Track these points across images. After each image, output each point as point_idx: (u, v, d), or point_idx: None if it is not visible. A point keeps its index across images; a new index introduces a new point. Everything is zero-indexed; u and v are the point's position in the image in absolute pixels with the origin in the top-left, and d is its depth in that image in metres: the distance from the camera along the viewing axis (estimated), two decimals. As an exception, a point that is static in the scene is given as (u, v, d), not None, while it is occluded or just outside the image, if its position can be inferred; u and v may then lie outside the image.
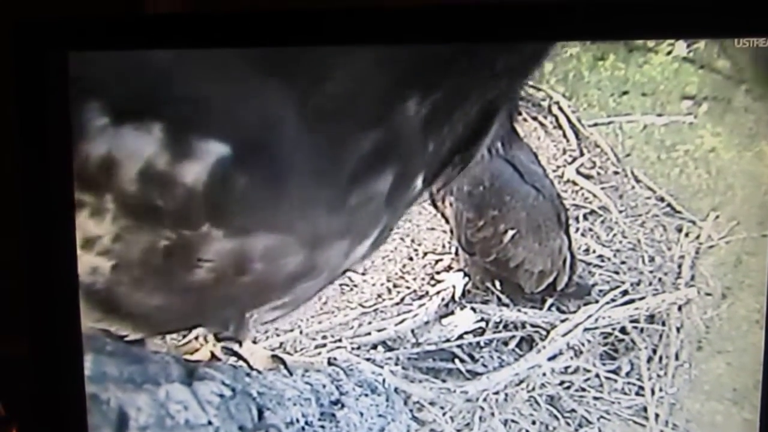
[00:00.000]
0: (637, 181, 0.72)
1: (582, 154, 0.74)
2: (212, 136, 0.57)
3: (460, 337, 0.74)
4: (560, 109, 0.73)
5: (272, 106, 0.57)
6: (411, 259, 0.76)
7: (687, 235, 0.71)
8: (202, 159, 0.57)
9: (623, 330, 0.72)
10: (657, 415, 0.71)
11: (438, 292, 0.75)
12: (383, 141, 0.60)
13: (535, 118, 0.74)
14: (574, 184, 0.75)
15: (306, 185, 0.60)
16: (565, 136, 0.74)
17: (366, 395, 0.73)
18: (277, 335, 0.75)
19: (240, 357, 0.72)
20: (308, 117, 0.58)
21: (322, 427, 0.71)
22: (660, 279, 0.72)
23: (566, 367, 0.73)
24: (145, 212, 0.59)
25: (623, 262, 0.73)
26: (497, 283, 0.76)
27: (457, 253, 0.76)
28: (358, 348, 0.74)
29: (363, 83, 0.58)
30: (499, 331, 0.74)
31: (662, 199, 0.72)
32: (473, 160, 0.68)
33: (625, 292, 0.73)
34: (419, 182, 0.65)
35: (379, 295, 0.76)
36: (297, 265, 0.63)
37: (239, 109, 0.58)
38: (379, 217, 0.66)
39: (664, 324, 0.71)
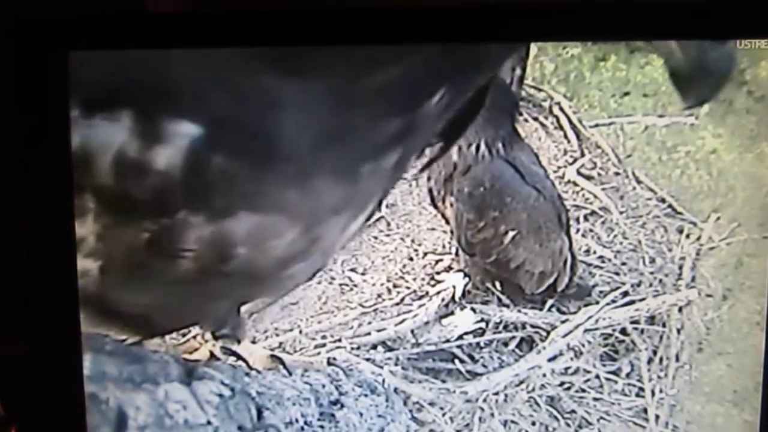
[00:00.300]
0: (638, 182, 0.72)
1: (583, 155, 0.74)
2: (188, 118, 0.57)
3: (460, 337, 0.74)
4: (561, 109, 0.73)
5: (266, 88, 0.57)
6: (411, 259, 0.76)
7: (688, 236, 0.71)
8: (177, 142, 0.57)
9: (623, 331, 0.72)
10: (657, 417, 0.71)
11: (438, 293, 0.75)
12: (402, 126, 0.60)
13: (536, 119, 0.74)
14: (575, 184, 0.75)
15: (305, 164, 0.60)
16: (566, 136, 0.74)
17: (365, 395, 0.73)
18: (277, 335, 0.75)
19: (239, 357, 0.72)
20: (321, 101, 0.58)
21: (322, 427, 0.71)
22: (661, 280, 0.72)
23: (566, 368, 0.73)
24: (124, 205, 0.59)
25: (624, 263, 0.73)
26: (497, 284, 0.76)
27: (457, 254, 0.76)
28: (358, 348, 0.74)
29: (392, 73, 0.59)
30: (499, 332, 0.74)
31: (663, 201, 0.72)
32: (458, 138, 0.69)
33: (625, 293, 0.73)
34: (413, 159, 0.67)
35: (379, 295, 0.76)
36: (288, 246, 0.63)
37: (226, 91, 0.58)
38: (376, 192, 0.66)
39: (664, 325, 0.72)
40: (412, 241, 0.76)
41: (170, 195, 0.58)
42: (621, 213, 0.73)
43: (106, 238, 0.61)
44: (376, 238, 0.77)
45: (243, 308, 0.72)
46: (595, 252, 0.74)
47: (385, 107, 0.59)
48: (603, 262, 0.74)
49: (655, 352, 0.72)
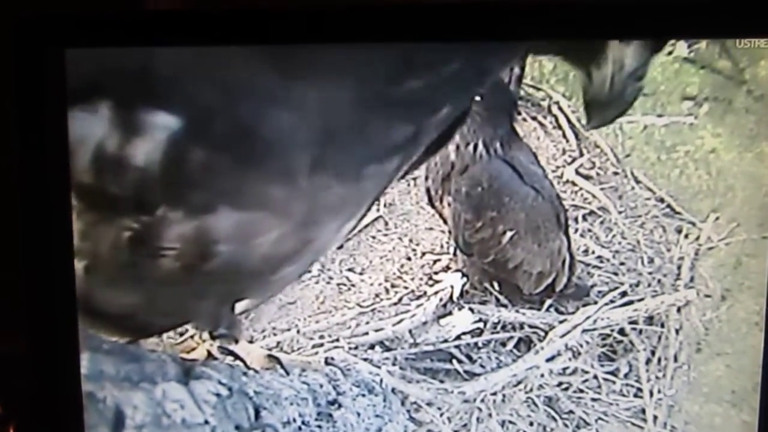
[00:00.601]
0: (637, 181, 0.72)
1: (582, 155, 0.74)
2: (173, 113, 0.56)
3: (458, 337, 0.74)
4: (560, 109, 0.73)
5: (275, 92, 0.57)
6: (409, 259, 0.76)
7: (687, 236, 0.70)
8: (157, 135, 0.57)
9: (622, 331, 0.72)
10: (655, 417, 0.71)
11: (436, 293, 0.75)
12: (411, 132, 0.61)
13: (534, 118, 0.74)
14: (574, 184, 0.74)
15: (309, 166, 0.59)
16: (564, 136, 0.74)
17: (363, 395, 0.73)
18: (274, 334, 0.75)
19: (236, 356, 0.72)
20: (335, 104, 0.58)
21: (319, 427, 0.71)
22: (659, 280, 0.71)
23: (564, 369, 0.72)
24: (105, 201, 0.59)
25: (622, 263, 0.73)
26: (495, 284, 0.76)
27: (455, 254, 0.76)
28: (356, 348, 0.74)
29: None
30: (497, 332, 0.74)
31: (662, 200, 0.71)
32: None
33: (624, 294, 0.72)
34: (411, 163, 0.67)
35: (377, 295, 0.76)
36: (282, 248, 0.63)
37: (228, 91, 0.57)
38: (372, 194, 0.66)
39: (662, 326, 0.71)
40: (410, 240, 0.76)
41: (151, 191, 0.58)
42: (620, 213, 0.73)
43: (89, 237, 0.61)
44: (374, 237, 0.77)
45: (237, 307, 0.72)
46: (593, 252, 0.74)
47: (401, 115, 0.59)
48: (601, 262, 0.74)
49: (653, 353, 0.71)
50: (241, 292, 0.69)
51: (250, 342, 0.74)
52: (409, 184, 0.76)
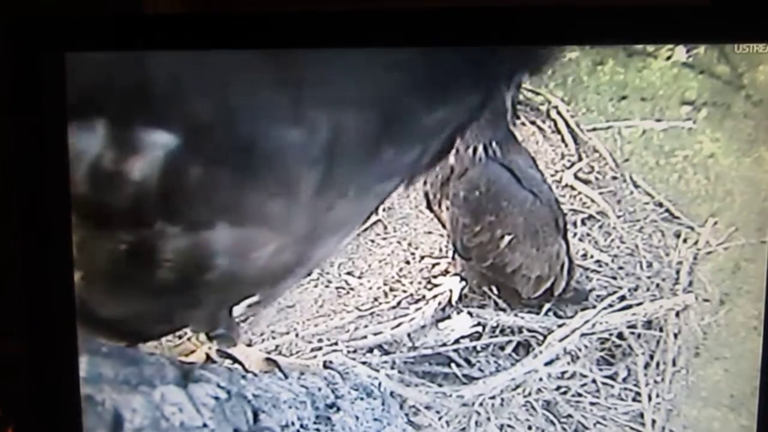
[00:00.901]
0: (636, 186, 0.72)
1: (580, 159, 0.74)
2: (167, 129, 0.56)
3: (457, 341, 0.74)
4: (559, 113, 0.72)
5: (295, 114, 0.57)
6: (408, 262, 0.76)
7: (685, 240, 0.70)
8: (152, 152, 0.57)
9: (620, 335, 0.72)
10: (654, 421, 0.71)
11: (435, 296, 0.75)
12: (419, 153, 0.61)
13: (533, 123, 0.73)
14: (572, 188, 0.74)
15: (321, 187, 0.60)
16: (563, 140, 0.74)
17: (362, 399, 0.73)
18: (273, 338, 0.75)
19: (235, 359, 0.72)
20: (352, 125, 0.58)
21: (318, 430, 0.71)
22: (658, 285, 0.71)
23: (563, 373, 0.72)
24: (102, 215, 0.59)
25: (621, 268, 0.73)
26: (494, 288, 0.76)
27: (453, 258, 0.76)
28: (354, 351, 0.74)
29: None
30: (496, 336, 0.74)
31: (661, 205, 0.71)
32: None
33: (622, 298, 0.72)
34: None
35: (376, 299, 0.75)
36: (278, 262, 0.63)
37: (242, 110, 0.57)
38: (372, 208, 0.66)
39: (661, 330, 0.71)
40: (409, 244, 0.76)
41: (147, 205, 0.58)
42: (618, 217, 0.73)
43: (86, 249, 0.61)
44: (372, 241, 0.77)
45: (235, 311, 0.72)
46: (592, 256, 0.74)
47: (411, 136, 0.60)
48: (600, 266, 0.74)
49: (652, 357, 0.71)
50: (238, 300, 0.69)
51: (249, 345, 0.74)
52: (407, 189, 0.76)
